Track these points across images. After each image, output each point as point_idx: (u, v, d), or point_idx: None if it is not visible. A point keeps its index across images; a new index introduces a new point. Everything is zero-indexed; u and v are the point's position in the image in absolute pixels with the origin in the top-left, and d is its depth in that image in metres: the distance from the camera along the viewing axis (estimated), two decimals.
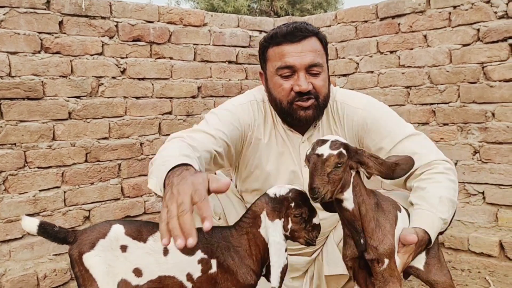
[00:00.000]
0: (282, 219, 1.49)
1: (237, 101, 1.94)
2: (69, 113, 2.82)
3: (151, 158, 3.09)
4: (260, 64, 1.95)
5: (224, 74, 3.61)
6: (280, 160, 1.94)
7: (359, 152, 1.40)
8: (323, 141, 1.37)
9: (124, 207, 3.04)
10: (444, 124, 3.13)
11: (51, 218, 2.73)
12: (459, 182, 2.99)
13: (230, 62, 3.66)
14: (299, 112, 1.81)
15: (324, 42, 1.88)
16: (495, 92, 2.88)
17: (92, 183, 2.91)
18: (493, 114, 2.91)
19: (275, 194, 1.49)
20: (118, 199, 3.03)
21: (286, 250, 1.51)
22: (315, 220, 1.48)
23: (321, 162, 1.34)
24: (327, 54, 1.90)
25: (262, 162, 1.95)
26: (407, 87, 3.30)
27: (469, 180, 3.02)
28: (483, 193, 2.98)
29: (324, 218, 1.70)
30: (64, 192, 2.79)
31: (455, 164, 3.08)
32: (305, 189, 1.42)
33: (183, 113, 3.35)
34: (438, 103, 3.15)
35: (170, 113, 3.29)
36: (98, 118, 2.94)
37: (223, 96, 3.57)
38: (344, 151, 1.37)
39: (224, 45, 3.61)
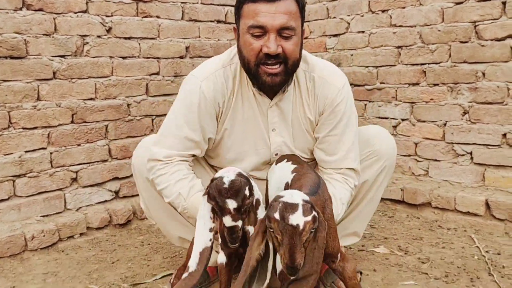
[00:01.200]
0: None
1: (203, 74, 1.88)
2: (54, 73, 2.76)
3: (138, 120, 3.10)
4: (235, 19, 1.90)
5: (213, 34, 3.54)
6: (247, 126, 1.92)
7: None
8: (292, 207, 1.28)
9: (112, 169, 3.03)
10: (435, 85, 3.10)
11: (38, 179, 2.71)
12: (448, 143, 3.03)
13: (219, 21, 3.58)
14: (265, 78, 1.77)
15: (300, 5, 1.81)
16: (487, 51, 2.85)
17: (79, 145, 2.88)
18: (483, 74, 2.88)
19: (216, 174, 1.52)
20: (106, 160, 3.01)
21: (212, 232, 1.51)
22: (224, 221, 1.46)
23: (298, 234, 1.26)
24: (303, 18, 1.84)
25: (229, 128, 1.94)
26: (398, 47, 3.26)
27: (458, 140, 3.02)
28: (471, 153, 2.98)
29: None
30: (51, 153, 2.77)
31: (445, 124, 3.07)
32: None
33: (171, 74, 3.29)
34: (429, 63, 3.11)
35: (157, 73, 3.23)
36: (84, 78, 2.88)
37: (212, 57, 3.51)
38: (315, 213, 1.31)
39: (213, 4, 3.53)
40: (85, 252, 2.61)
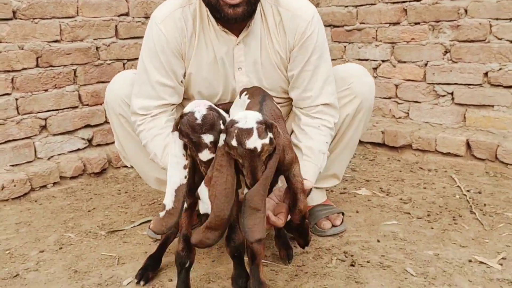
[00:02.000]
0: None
1: (160, 16, 1.80)
2: (14, 12, 2.56)
3: (109, 64, 2.94)
4: None
5: None
6: (212, 68, 1.85)
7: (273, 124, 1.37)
8: (248, 132, 1.30)
9: (84, 116, 2.89)
10: (416, 23, 3.01)
11: (4, 127, 2.56)
12: (428, 84, 2.98)
13: None
14: (226, 10, 1.68)
15: None
16: None
17: (46, 90, 2.72)
18: (465, 11, 2.80)
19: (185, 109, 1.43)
20: (76, 107, 2.86)
21: (187, 169, 1.44)
22: (201, 156, 1.38)
23: (257, 156, 1.31)
24: None
25: (193, 72, 1.86)
26: None
27: (439, 81, 2.97)
28: (452, 93, 2.94)
29: None
30: (16, 99, 2.60)
31: (426, 64, 3.01)
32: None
33: (141, 15, 3.11)
34: (410, 1, 3.01)
35: (127, 14, 3.05)
36: (47, 19, 2.68)
37: None
38: (270, 134, 1.33)
39: None
40: (60, 201, 2.51)
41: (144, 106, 1.81)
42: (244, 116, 1.34)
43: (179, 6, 1.81)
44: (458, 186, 2.55)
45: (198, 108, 1.40)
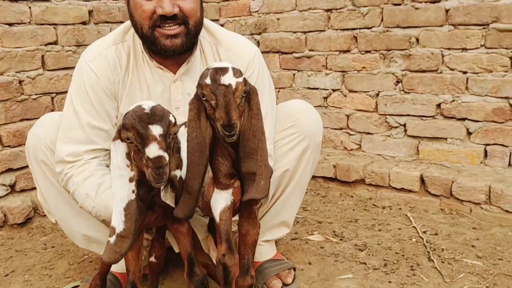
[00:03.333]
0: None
1: (91, 54, 1.70)
2: None
3: (34, 99, 2.65)
4: None
5: None
6: None
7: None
8: (222, 69, 1.28)
9: (5, 159, 2.57)
10: (367, 52, 2.88)
11: None
12: (381, 115, 2.86)
13: None
14: (163, 41, 1.58)
15: None
16: (421, 15, 2.64)
17: None
18: (417, 40, 2.69)
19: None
20: None
21: (133, 182, 1.28)
22: (148, 152, 1.20)
23: (231, 93, 1.26)
24: None
25: (125, 112, 1.67)
26: (328, 10, 2.98)
27: (391, 111, 2.84)
28: (404, 125, 2.82)
29: None
30: None
31: (377, 95, 2.88)
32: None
33: (72, 43, 2.83)
34: (360, 28, 2.88)
35: (55, 43, 2.76)
36: None
37: (120, 22, 3.07)
38: (245, 76, 1.32)
39: None
40: None
41: (73, 152, 1.63)
42: (220, 63, 1.33)
43: (112, 43, 1.70)
44: (414, 226, 2.42)
45: (145, 102, 1.28)
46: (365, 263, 2.07)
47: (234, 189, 1.41)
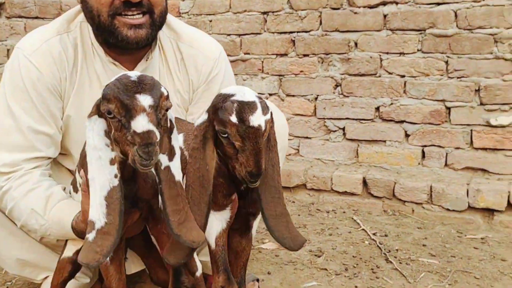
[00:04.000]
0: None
1: (31, 46, 1.46)
2: None
3: None
4: None
5: None
6: None
7: None
8: (250, 106, 1.06)
9: None
10: (305, 55, 2.86)
11: None
12: (319, 119, 2.83)
13: None
14: (125, 32, 1.39)
15: None
16: (359, 19, 2.67)
17: None
18: (356, 44, 2.71)
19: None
20: None
21: (116, 164, 1.06)
22: (135, 126, 0.99)
23: (261, 136, 1.07)
24: None
25: (73, 114, 1.50)
26: (264, 13, 2.92)
27: (330, 115, 2.84)
28: (343, 128, 2.82)
29: None
30: None
31: (316, 98, 2.85)
32: None
33: None
34: (298, 32, 2.85)
35: None
36: None
37: (36, 18, 2.75)
38: (270, 109, 1.12)
39: None
40: None
41: (11, 161, 1.41)
42: (239, 90, 1.11)
43: (55, 33, 1.47)
44: (363, 229, 2.40)
45: (131, 72, 1.06)
46: (325, 269, 2.00)
47: (232, 204, 1.24)
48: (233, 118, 1.06)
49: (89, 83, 1.51)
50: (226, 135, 1.09)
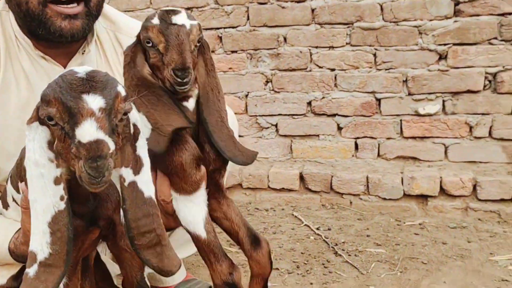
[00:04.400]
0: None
1: None
2: None
3: None
4: None
5: None
6: (26, 109, 1.33)
7: None
8: (174, 11, 1.09)
9: None
10: (233, 52, 2.77)
11: None
12: (251, 116, 2.77)
13: None
14: (58, 22, 1.25)
15: None
16: (287, 14, 2.64)
17: None
18: (285, 39, 2.68)
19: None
20: None
21: (62, 184, 0.88)
22: (80, 134, 0.80)
23: (185, 34, 1.06)
24: None
25: None
26: (188, 8, 2.79)
27: (262, 112, 2.78)
28: (276, 125, 2.78)
29: None
30: None
31: (246, 96, 2.78)
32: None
33: None
34: (225, 28, 2.76)
35: None
36: None
37: None
38: (199, 22, 1.14)
39: None
40: None
41: None
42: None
43: None
44: (306, 225, 2.37)
45: (80, 67, 0.88)
46: (277, 269, 1.95)
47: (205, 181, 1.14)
48: (155, 20, 1.07)
49: (16, 83, 1.32)
50: (150, 43, 1.08)
